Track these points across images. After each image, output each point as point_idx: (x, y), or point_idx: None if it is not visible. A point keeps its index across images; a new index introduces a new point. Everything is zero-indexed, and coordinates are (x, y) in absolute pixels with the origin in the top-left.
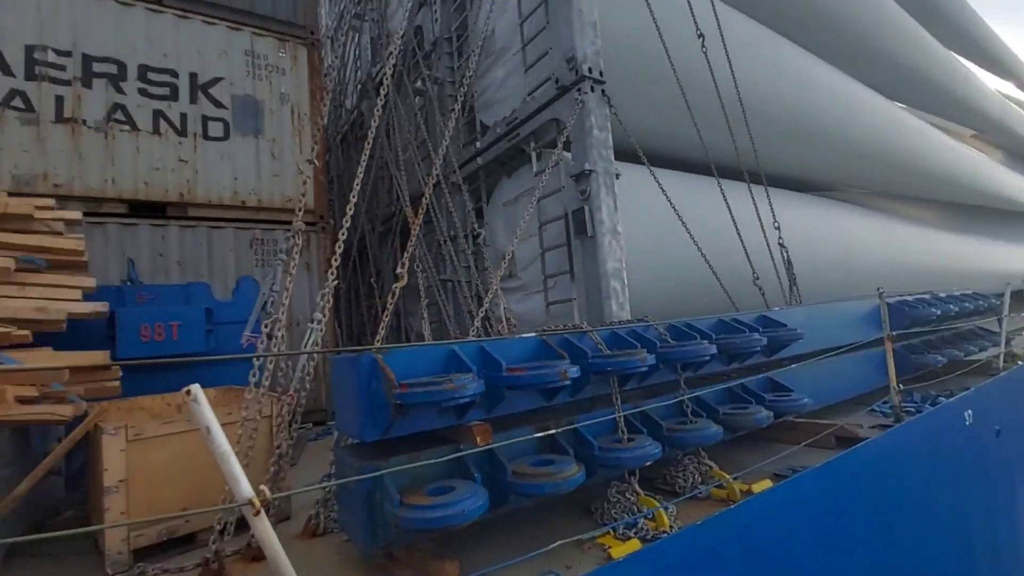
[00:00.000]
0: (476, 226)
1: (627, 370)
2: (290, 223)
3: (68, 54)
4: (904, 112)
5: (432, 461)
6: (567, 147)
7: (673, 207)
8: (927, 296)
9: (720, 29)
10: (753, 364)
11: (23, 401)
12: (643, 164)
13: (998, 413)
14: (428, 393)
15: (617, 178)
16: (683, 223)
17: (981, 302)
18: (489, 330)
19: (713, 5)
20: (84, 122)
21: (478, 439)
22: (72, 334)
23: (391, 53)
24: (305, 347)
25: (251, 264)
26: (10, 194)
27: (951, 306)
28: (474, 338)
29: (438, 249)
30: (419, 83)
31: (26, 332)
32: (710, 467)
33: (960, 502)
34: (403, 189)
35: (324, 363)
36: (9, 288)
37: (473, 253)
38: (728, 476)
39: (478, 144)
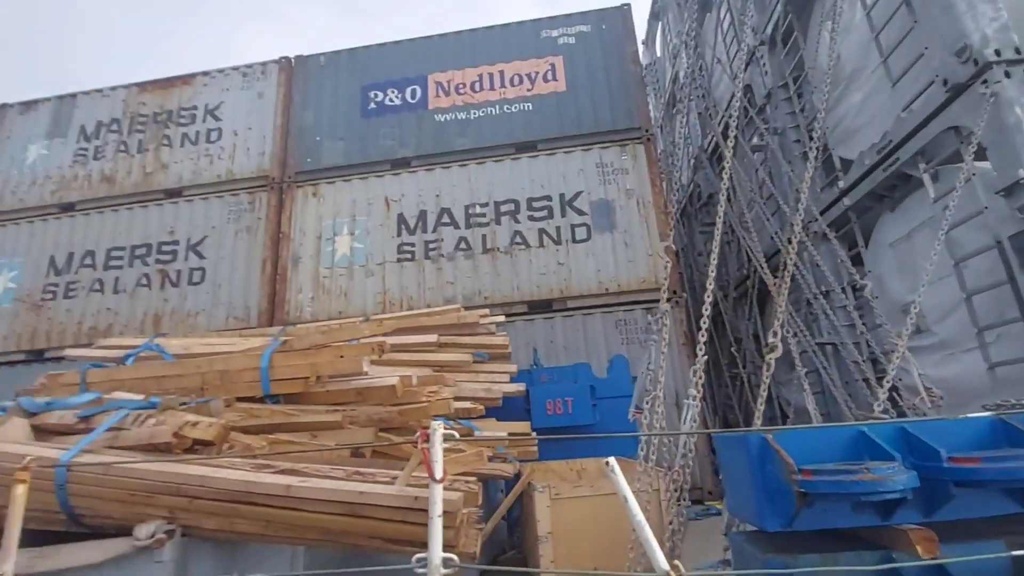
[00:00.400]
0: (856, 276)
1: None
2: (646, 302)
3: (486, 204)
4: None
5: (856, 568)
6: (980, 156)
7: None
8: None
9: None
10: None
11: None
12: None
13: None
14: (840, 483)
15: None
16: None
17: None
18: (899, 402)
19: None
20: (498, 249)
21: (920, 548)
22: (503, 408)
23: (723, 119)
24: (683, 423)
25: (618, 343)
26: (465, 308)
27: None
28: (883, 416)
29: (808, 308)
30: (755, 139)
31: (481, 407)
32: None
33: None
34: (755, 250)
35: (699, 439)
36: (469, 375)
37: (856, 308)
38: None
39: (841, 183)
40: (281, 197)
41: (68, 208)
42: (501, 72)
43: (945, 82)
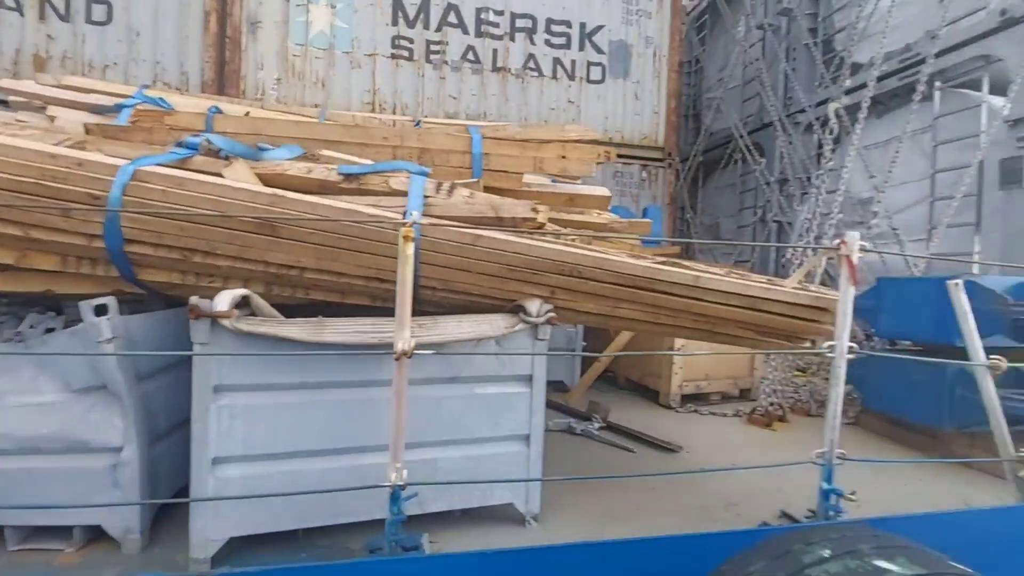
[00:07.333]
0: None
1: None
2: (643, 159)
3: (501, 12)
4: None
5: None
6: (1000, 91)
7: None
8: None
9: None
10: None
11: None
12: None
13: None
14: None
15: None
16: None
17: None
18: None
19: None
20: (509, 70)
21: None
22: None
23: None
24: None
25: (616, 194)
26: None
27: None
28: None
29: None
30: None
31: None
32: None
33: None
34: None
35: None
36: None
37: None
38: None
39: (848, 83)
40: None
41: None
42: None
43: (1003, 13)
